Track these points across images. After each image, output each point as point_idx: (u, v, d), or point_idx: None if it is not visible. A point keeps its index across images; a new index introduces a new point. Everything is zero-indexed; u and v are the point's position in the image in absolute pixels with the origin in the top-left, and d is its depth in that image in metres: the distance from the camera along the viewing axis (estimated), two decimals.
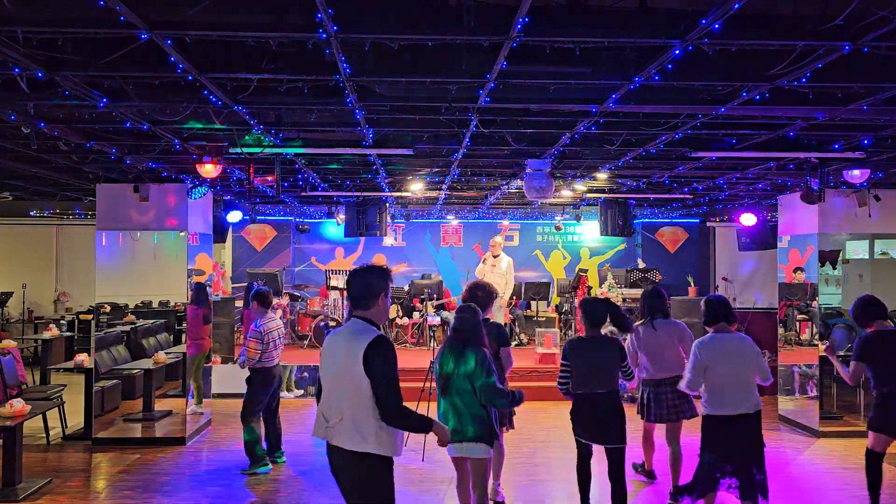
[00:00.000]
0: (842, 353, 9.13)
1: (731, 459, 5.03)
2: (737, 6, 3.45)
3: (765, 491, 5.03)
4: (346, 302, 8.16)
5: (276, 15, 3.91)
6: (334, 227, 14.66)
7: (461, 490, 5.02)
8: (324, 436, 3.59)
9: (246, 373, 7.03)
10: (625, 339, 6.27)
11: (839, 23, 3.77)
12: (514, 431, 8.46)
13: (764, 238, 10.96)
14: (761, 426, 5.08)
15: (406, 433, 3.70)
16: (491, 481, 5.87)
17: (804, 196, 8.06)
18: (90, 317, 10.77)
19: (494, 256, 11.32)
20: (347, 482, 3.56)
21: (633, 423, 6.27)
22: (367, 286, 3.63)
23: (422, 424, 3.65)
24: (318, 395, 3.79)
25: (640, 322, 6.28)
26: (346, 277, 3.82)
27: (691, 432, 5.68)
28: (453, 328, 4.90)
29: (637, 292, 11.11)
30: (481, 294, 5.71)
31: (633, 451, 6.47)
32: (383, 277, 3.69)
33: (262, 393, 6.91)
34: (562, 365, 5.43)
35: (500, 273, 11.22)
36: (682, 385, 5.28)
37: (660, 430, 6.40)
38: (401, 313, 13.27)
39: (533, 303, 14.20)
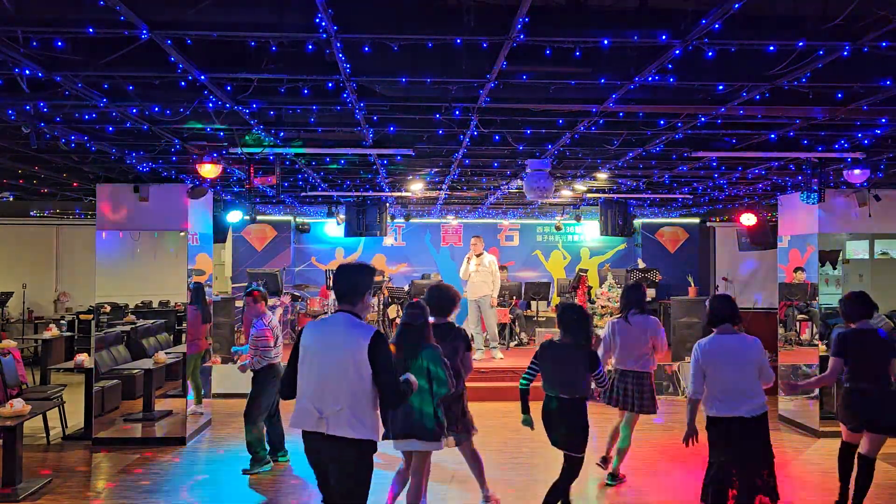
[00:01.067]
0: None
1: (734, 464, 4.96)
2: (737, 6, 3.45)
3: (773, 494, 4.99)
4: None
5: (276, 15, 3.91)
6: (334, 227, 14.65)
7: (399, 477, 5.24)
8: (315, 427, 3.68)
9: (248, 373, 7.03)
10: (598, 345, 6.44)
11: (839, 23, 3.77)
12: (515, 431, 8.51)
13: (763, 238, 10.97)
14: (767, 431, 5.00)
15: None
16: (479, 488, 5.92)
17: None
18: (90, 317, 10.76)
19: (477, 255, 11.30)
20: (340, 470, 3.69)
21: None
22: (356, 283, 3.88)
23: (410, 390, 3.94)
24: (285, 389, 3.89)
25: (617, 316, 6.68)
26: (333, 272, 4.05)
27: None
28: (405, 323, 5.01)
29: None
30: (445, 299, 5.68)
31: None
32: (370, 275, 3.95)
33: (271, 391, 6.92)
34: (531, 363, 5.47)
35: (487, 271, 11.22)
36: (688, 393, 5.22)
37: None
38: (400, 313, 13.25)
39: (533, 303, 14.20)
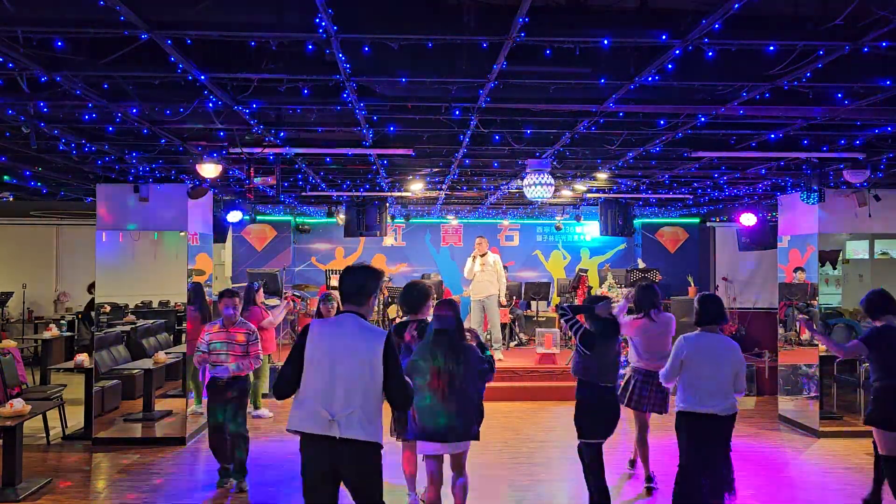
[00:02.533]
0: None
1: (706, 462, 5.10)
2: (737, 6, 3.45)
3: (731, 487, 5.16)
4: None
5: (276, 15, 3.91)
6: (334, 227, 14.65)
7: (433, 488, 5.06)
8: (324, 430, 3.61)
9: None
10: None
11: (839, 23, 3.77)
12: (514, 431, 8.51)
13: (763, 238, 10.97)
14: (732, 431, 5.15)
15: None
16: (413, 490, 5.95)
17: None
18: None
19: (482, 255, 11.31)
20: (353, 473, 3.66)
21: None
22: (365, 285, 3.88)
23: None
24: (284, 388, 3.77)
25: (639, 315, 6.47)
26: (340, 273, 4.09)
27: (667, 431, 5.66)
28: (438, 329, 4.87)
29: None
30: (416, 294, 5.60)
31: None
32: (378, 278, 3.98)
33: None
34: (581, 352, 5.46)
35: (492, 271, 11.24)
36: (661, 377, 5.35)
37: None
38: (400, 313, 13.24)
39: (533, 303, 14.20)
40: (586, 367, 5.38)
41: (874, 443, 5.64)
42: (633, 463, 6.98)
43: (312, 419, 3.64)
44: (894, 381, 5.45)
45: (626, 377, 6.53)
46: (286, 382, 3.76)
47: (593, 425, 5.32)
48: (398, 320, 6.17)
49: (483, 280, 11.17)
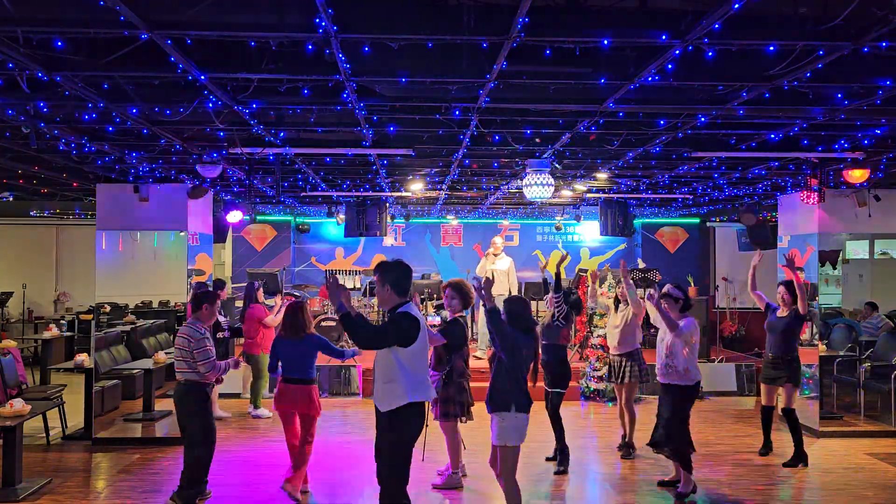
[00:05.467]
0: (842, 353, 9.13)
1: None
2: (737, 6, 3.45)
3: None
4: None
5: (276, 15, 3.91)
6: (334, 227, 14.65)
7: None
8: (426, 397, 4.54)
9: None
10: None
11: (839, 23, 3.77)
12: None
13: (763, 238, 10.97)
14: None
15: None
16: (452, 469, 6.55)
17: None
18: (90, 317, 10.76)
19: (495, 255, 11.34)
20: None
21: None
22: (410, 281, 4.67)
23: None
24: (370, 345, 4.56)
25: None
26: (388, 267, 4.68)
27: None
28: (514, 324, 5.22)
29: (638, 292, 11.20)
30: (461, 296, 6.44)
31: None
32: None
33: None
34: None
35: (502, 272, 11.25)
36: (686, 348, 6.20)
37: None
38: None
39: (533, 303, 14.18)
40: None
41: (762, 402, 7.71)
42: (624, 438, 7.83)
43: (428, 389, 4.60)
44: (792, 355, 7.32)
45: (609, 361, 7.78)
46: (384, 341, 4.46)
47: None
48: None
49: (493, 280, 11.21)
